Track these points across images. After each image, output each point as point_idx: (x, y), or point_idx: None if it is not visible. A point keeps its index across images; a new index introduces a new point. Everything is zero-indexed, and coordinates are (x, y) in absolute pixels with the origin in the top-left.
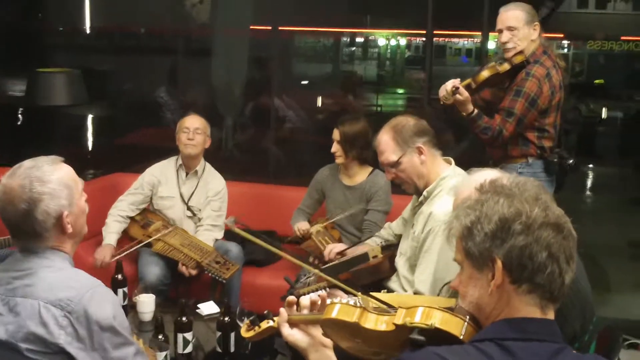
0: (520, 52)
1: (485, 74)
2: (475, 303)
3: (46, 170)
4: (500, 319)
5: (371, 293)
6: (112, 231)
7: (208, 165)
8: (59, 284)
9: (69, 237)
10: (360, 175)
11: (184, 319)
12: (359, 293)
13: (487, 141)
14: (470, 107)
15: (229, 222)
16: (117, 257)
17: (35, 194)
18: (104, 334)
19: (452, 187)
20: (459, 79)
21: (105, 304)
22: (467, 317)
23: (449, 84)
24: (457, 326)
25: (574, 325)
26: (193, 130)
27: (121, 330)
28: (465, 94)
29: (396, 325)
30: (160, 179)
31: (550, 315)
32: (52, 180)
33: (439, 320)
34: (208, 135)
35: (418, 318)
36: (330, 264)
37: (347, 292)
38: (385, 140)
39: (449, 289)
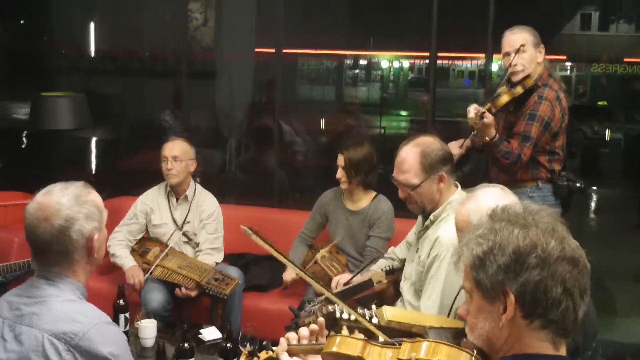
0: (528, 75)
1: (505, 98)
2: (485, 336)
3: (83, 191)
4: (510, 354)
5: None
6: (126, 255)
7: (199, 187)
8: (65, 317)
9: (89, 262)
10: (364, 200)
11: (185, 345)
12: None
13: (508, 166)
14: (494, 131)
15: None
16: (147, 275)
17: (73, 212)
18: None
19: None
20: (476, 104)
21: (110, 341)
22: (475, 351)
23: (472, 110)
24: None
25: (574, 338)
26: (171, 158)
27: None
28: (491, 117)
29: None
30: (152, 207)
31: (562, 351)
32: (88, 201)
33: (445, 355)
34: (191, 159)
35: (423, 353)
36: (334, 291)
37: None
38: (411, 161)
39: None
